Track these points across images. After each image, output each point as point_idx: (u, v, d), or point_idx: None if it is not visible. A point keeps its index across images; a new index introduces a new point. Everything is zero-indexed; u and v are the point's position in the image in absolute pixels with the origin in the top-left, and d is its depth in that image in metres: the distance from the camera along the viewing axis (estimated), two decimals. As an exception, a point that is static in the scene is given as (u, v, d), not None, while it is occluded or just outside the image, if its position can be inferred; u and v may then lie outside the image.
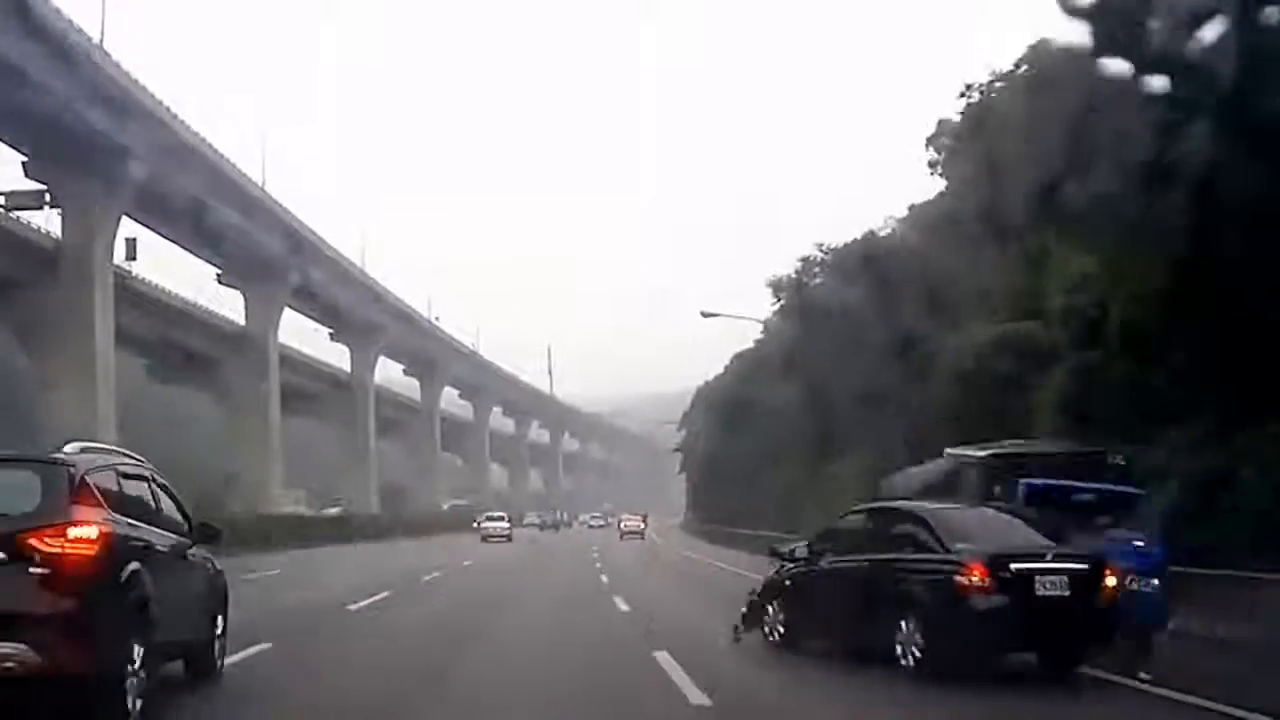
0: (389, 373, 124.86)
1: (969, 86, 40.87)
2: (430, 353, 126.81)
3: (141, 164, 62.55)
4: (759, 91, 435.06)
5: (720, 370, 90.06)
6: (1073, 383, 24.67)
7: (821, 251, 55.64)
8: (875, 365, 39.15)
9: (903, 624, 12.98)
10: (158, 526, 10.75)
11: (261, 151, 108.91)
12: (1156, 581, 15.04)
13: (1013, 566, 12.70)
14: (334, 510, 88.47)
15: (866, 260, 44.65)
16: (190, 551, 11.75)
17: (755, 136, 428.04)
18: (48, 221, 63.27)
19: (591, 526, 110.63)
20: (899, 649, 12.97)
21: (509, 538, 71.31)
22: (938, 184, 47.69)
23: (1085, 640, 13.24)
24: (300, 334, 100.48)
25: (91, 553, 8.75)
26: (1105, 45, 19.23)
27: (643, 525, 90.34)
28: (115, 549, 9.13)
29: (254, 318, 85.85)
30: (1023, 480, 16.24)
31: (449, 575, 33.56)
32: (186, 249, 78.46)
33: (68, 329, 60.90)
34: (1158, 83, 19.24)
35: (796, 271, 58.02)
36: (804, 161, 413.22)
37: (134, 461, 11.10)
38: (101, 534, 8.92)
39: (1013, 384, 28.35)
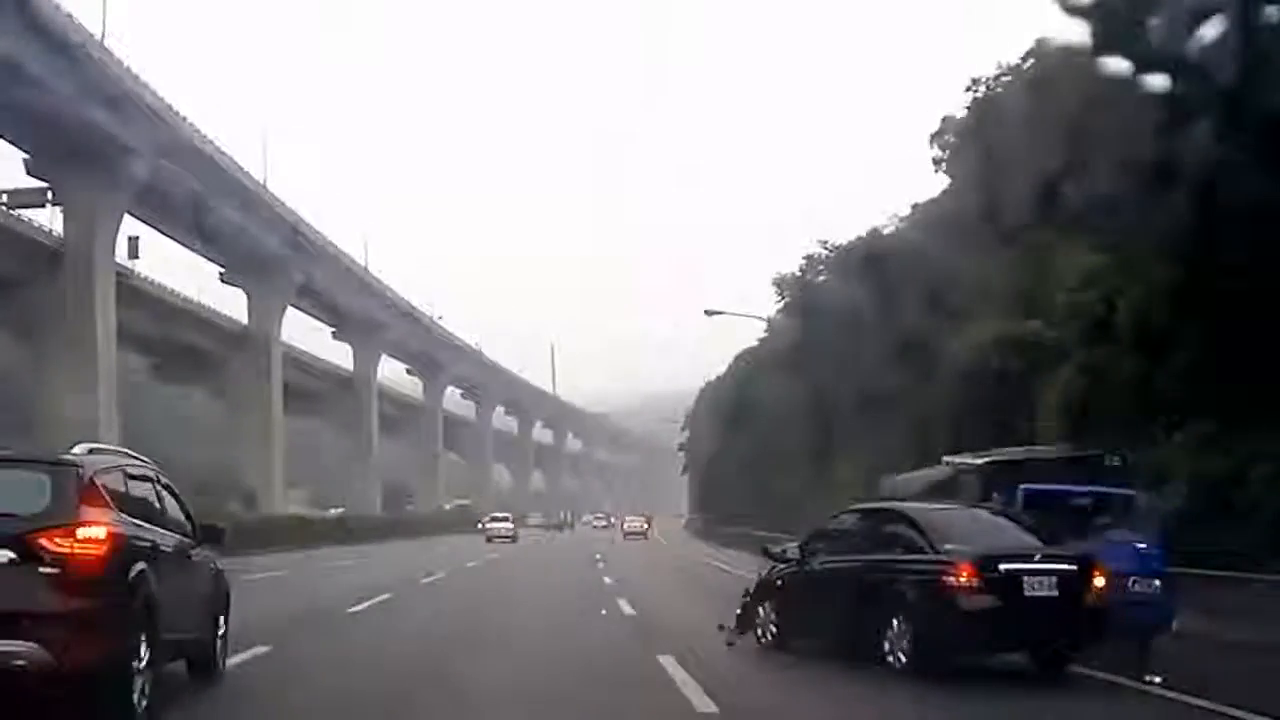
0: (392, 372, 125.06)
1: (975, 81, 40.88)
2: (433, 351, 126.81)
3: (143, 162, 62.69)
4: (764, 90, 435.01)
5: (724, 370, 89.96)
6: (1079, 380, 24.53)
7: (826, 249, 55.53)
8: (878, 364, 39.13)
9: (892, 624, 13.06)
10: (163, 527, 10.86)
11: (263, 149, 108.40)
12: (1158, 583, 15.05)
13: (1001, 567, 12.76)
14: (335, 511, 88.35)
15: (869, 259, 44.66)
16: (194, 552, 11.86)
17: (761, 135, 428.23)
18: (50, 220, 63.59)
19: (595, 527, 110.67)
20: (888, 649, 13.04)
21: (514, 538, 71.73)
22: (942, 182, 47.60)
23: (1074, 640, 13.33)
24: (303, 332, 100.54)
25: (100, 553, 8.85)
26: (1104, 44, 19.26)
27: (646, 526, 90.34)
28: (123, 549, 9.23)
29: (256, 316, 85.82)
30: (1021, 486, 16.21)
31: (451, 577, 33.39)
32: (189, 247, 78.49)
33: (70, 327, 60.94)
34: (1157, 82, 19.25)
35: (801, 269, 57.93)
36: (810, 160, 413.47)
37: (139, 462, 11.20)
38: (110, 534, 9.03)
39: (1017, 383, 28.24)
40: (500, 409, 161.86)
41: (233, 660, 13.06)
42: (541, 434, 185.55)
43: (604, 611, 21.67)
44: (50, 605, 8.51)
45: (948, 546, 13.10)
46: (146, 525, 10.27)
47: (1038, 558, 13.08)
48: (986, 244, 34.85)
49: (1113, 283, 23.47)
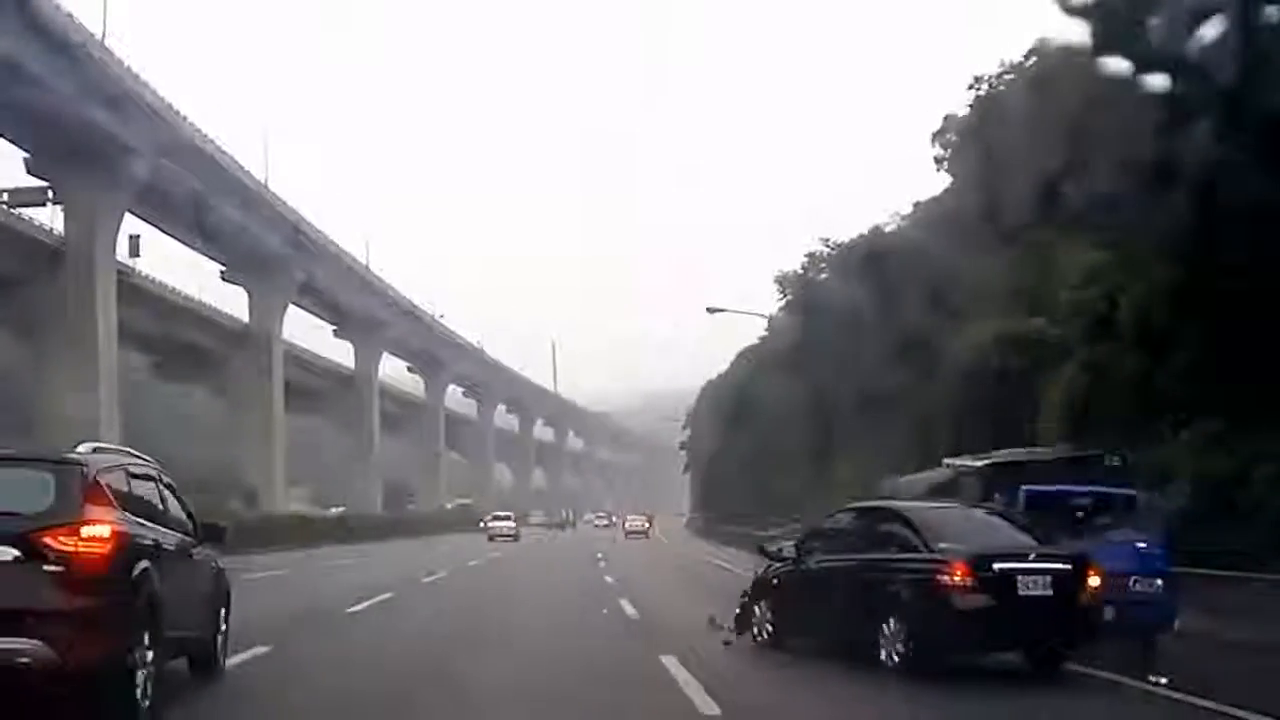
0: (393, 370, 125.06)
1: (978, 79, 40.83)
2: (434, 350, 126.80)
3: (144, 160, 62.71)
4: (766, 89, 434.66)
5: (725, 369, 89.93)
6: (1082, 378, 24.50)
7: (828, 247, 55.50)
8: (878, 363, 39.18)
9: (887, 623, 13.09)
10: (165, 526, 10.95)
11: (264, 148, 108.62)
12: (1160, 582, 15.08)
13: (995, 566, 12.81)
14: (337, 510, 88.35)
15: (870, 257, 44.68)
16: (195, 550, 11.98)
17: (762, 134, 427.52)
18: (51, 218, 63.59)
19: (596, 526, 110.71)
20: (882, 648, 13.06)
21: (516, 537, 72.13)
22: (944, 180, 47.59)
23: (1069, 639, 13.38)
24: (304, 331, 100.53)
25: (104, 551, 8.94)
26: (1104, 44, 19.28)
27: (647, 525, 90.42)
28: (126, 548, 9.33)
29: (258, 314, 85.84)
30: (1023, 487, 16.24)
31: (452, 576, 33.33)
32: (190, 246, 78.50)
33: (70, 326, 60.95)
34: (1157, 82, 19.27)
35: (803, 267, 57.90)
36: (812, 159, 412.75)
37: (142, 462, 11.30)
38: (114, 533, 9.13)
39: (1018, 381, 28.22)
40: (502, 407, 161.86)
41: (233, 660, 13.06)
42: (543, 432, 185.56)
43: (605, 611, 21.65)
44: (55, 603, 8.57)
45: (942, 546, 13.15)
46: (149, 524, 10.34)
47: (1032, 557, 13.13)
48: (988, 242, 34.85)
49: (1115, 281, 23.46)
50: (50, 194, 62.05)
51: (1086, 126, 23.02)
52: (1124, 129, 20.95)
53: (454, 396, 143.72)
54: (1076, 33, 20.30)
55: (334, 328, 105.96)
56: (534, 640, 17.15)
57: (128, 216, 67.25)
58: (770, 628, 15.89)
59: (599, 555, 45.78)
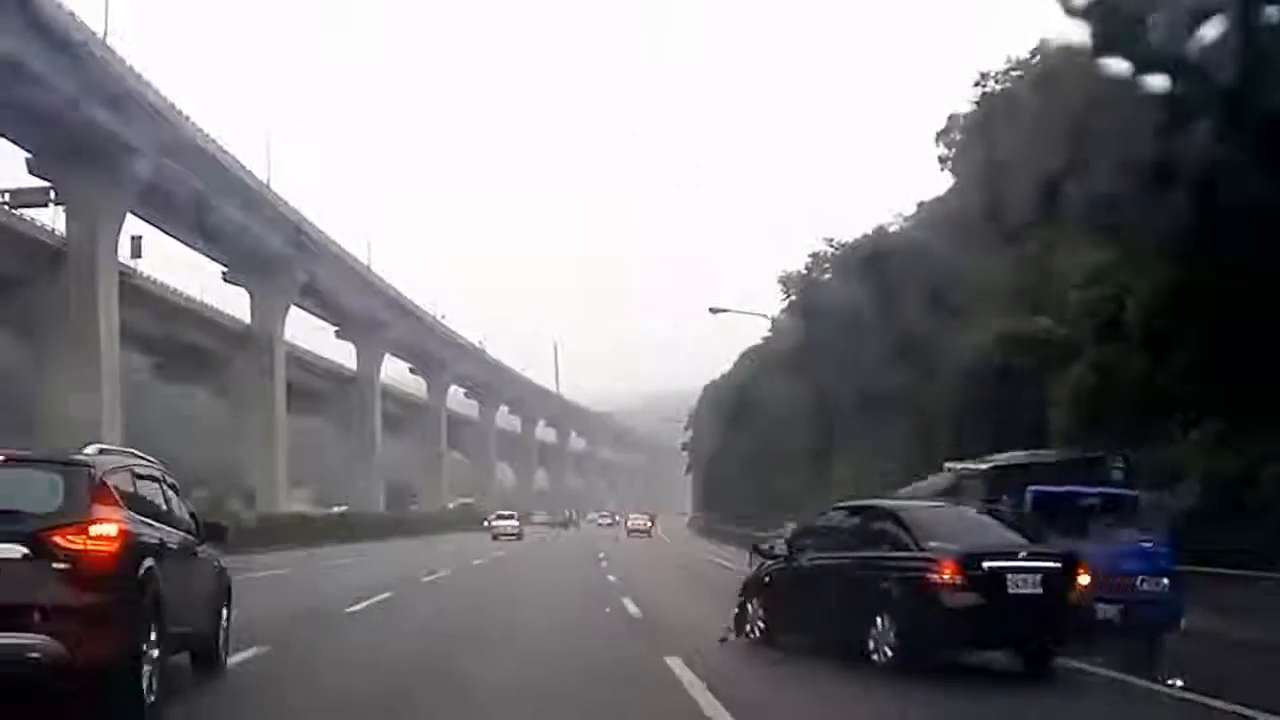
0: (395, 371, 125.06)
1: (984, 76, 40.81)
2: (436, 350, 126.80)
3: (146, 161, 62.59)
4: (768, 89, 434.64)
5: (728, 369, 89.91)
6: (1089, 378, 24.44)
7: (832, 247, 55.44)
8: (881, 362, 39.11)
9: (877, 621, 13.17)
10: (169, 525, 11.17)
11: (266, 148, 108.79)
12: (1166, 582, 15.11)
13: (985, 564, 12.88)
14: (339, 509, 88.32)
15: (874, 257, 44.61)
16: (198, 549, 12.19)
17: (764, 134, 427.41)
18: (52, 219, 63.53)
19: (600, 525, 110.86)
20: (873, 646, 13.16)
21: (519, 536, 72.68)
22: (948, 180, 47.56)
23: (1058, 637, 13.44)
24: (305, 332, 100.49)
25: (111, 549, 9.14)
26: (1105, 45, 19.32)
27: (649, 524, 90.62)
28: (132, 546, 9.51)
29: (259, 315, 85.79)
30: (1030, 487, 16.29)
31: (453, 576, 33.24)
32: (191, 246, 78.47)
33: (72, 327, 60.88)
34: (1158, 82, 19.28)
35: (807, 267, 57.83)
36: (814, 158, 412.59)
37: (146, 463, 11.51)
38: (120, 532, 9.33)
39: (1024, 380, 28.15)
40: (504, 408, 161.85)
41: (233, 659, 13.08)
42: (545, 433, 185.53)
43: (608, 610, 21.59)
44: (64, 600, 8.75)
45: (932, 544, 13.23)
46: (154, 523, 10.56)
47: (1021, 555, 13.21)
48: (990, 242, 34.84)
49: (1120, 281, 23.41)
50: (52, 194, 61.98)
51: (1088, 126, 23.04)
52: (1125, 129, 20.98)
53: (456, 397, 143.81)
54: (1078, 33, 20.30)
55: (336, 329, 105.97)
56: (534, 641, 17.03)
57: (129, 217, 67.21)
58: (762, 625, 15.94)
59: (601, 554, 45.76)
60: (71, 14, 55.14)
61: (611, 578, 31.21)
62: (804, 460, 53.09)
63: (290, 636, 16.64)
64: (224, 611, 12.99)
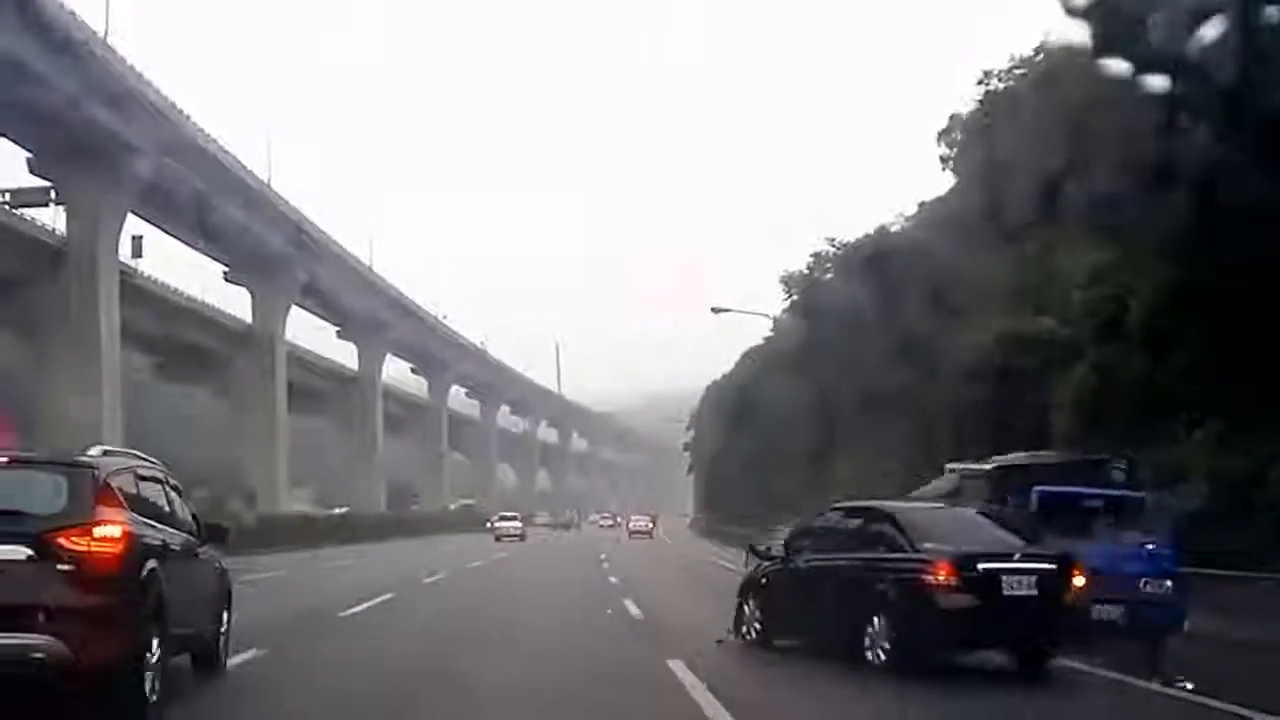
0: (396, 371, 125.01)
1: (988, 73, 40.77)
2: (438, 351, 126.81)
3: (147, 160, 62.54)
4: (770, 88, 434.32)
5: (730, 369, 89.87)
6: (1091, 378, 24.38)
7: (833, 247, 55.37)
8: (882, 362, 39.07)
9: (872, 622, 13.21)
10: (171, 526, 11.27)
11: (267, 148, 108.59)
12: (1169, 584, 15.13)
13: (980, 566, 12.91)
14: (340, 510, 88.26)
15: (876, 257, 44.58)
16: (199, 550, 12.29)
17: (766, 134, 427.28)
18: (53, 219, 63.50)
19: (601, 526, 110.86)
20: (868, 647, 13.18)
21: (522, 536, 73.15)
22: (950, 180, 47.50)
23: (1053, 638, 13.47)
24: (307, 331, 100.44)
25: (115, 551, 9.24)
26: (1105, 45, 19.33)
27: (651, 525, 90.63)
28: (136, 548, 9.61)
29: (260, 315, 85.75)
30: (1036, 487, 16.26)
31: (454, 577, 33.16)
32: (192, 246, 78.43)
33: (73, 326, 60.85)
34: (1158, 82, 19.29)
35: (809, 267, 57.76)
36: (816, 158, 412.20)
37: (149, 464, 11.59)
38: (124, 533, 9.43)
39: (1026, 380, 28.09)
40: (505, 408, 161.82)
41: (233, 661, 13.11)
42: (546, 433, 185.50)
43: (610, 611, 21.51)
44: (68, 601, 8.84)
45: (927, 545, 13.25)
46: (157, 525, 10.66)
47: (1016, 557, 13.24)
48: (992, 242, 34.81)
49: (1121, 281, 23.36)
50: (53, 194, 61.95)
51: (1089, 126, 23.03)
52: (1125, 129, 20.99)
53: (457, 397, 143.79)
54: (1078, 33, 20.31)
55: (337, 329, 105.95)
56: (535, 644, 16.91)
57: (130, 217, 67.20)
58: (759, 626, 15.96)
59: (603, 556, 45.69)
60: (72, 13, 55.14)
61: (613, 579, 31.12)
62: (805, 460, 53.07)
63: (291, 638, 16.59)
64: (225, 613, 13.06)
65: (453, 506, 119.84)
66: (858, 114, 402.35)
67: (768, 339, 71.83)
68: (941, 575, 12.70)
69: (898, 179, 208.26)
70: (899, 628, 12.95)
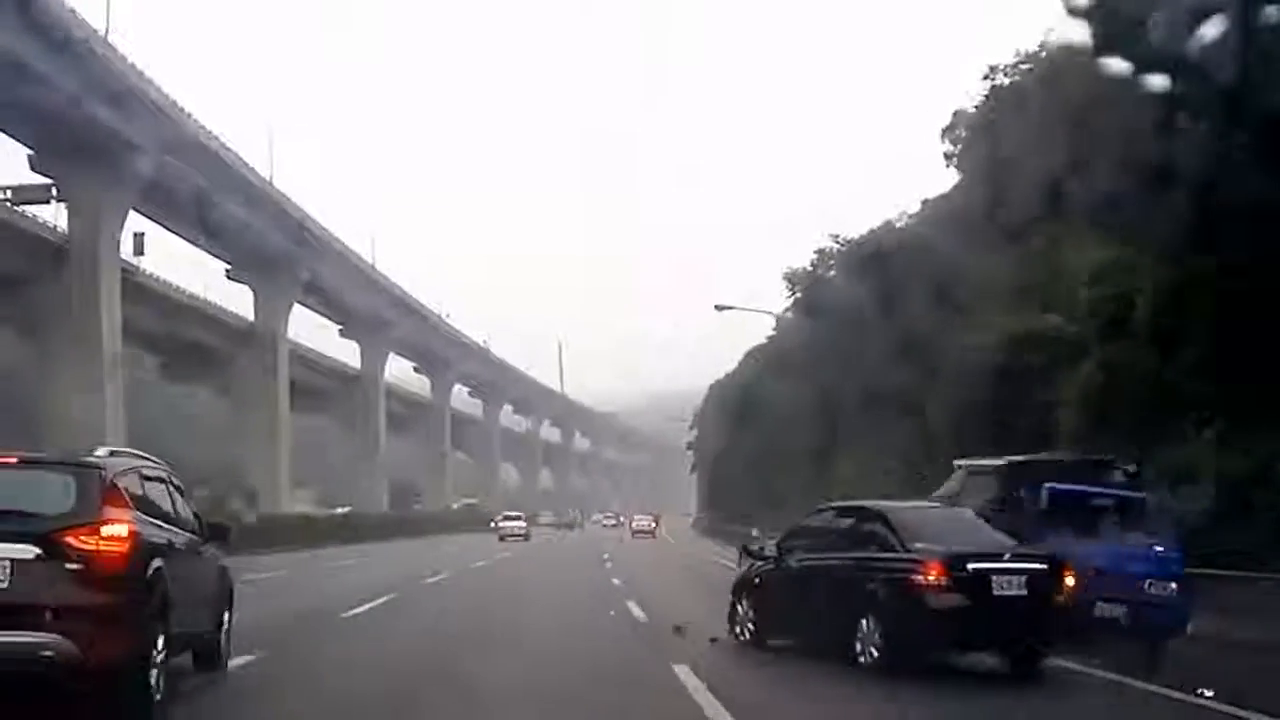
0: (399, 370, 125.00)
1: (994, 69, 40.67)
2: (440, 349, 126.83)
3: (148, 158, 62.49)
4: (772, 87, 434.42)
5: (733, 368, 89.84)
6: (1098, 376, 24.27)
7: (838, 244, 55.24)
8: (885, 360, 38.98)
9: (863, 622, 13.26)
10: (175, 526, 11.43)
11: (269, 145, 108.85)
12: (1174, 586, 15.19)
13: (970, 566, 12.95)
14: (342, 510, 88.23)
15: (879, 255, 44.47)
16: (202, 549, 12.44)
17: (769, 132, 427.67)
18: (55, 216, 63.50)
19: (604, 526, 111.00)
20: (859, 647, 13.24)
21: (526, 536, 73.56)
22: (953, 177, 47.39)
23: (1044, 638, 13.48)
24: (309, 330, 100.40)
25: (122, 550, 9.37)
26: (1105, 44, 19.39)
27: (654, 525, 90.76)
28: (142, 547, 9.76)
29: (263, 313, 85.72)
30: (1046, 484, 16.26)
31: (457, 577, 33.05)
32: (195, 244, 78.34)
33: (75, 324, 60.75)
34: (1158, 82, 19.31)
35: (812, 264, 57.65)
36: (819, 157, 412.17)
37: (153, 464, 11.77)
38: (130, 533, 9.57)
39: (1030, 379, 27.99)
40: (508, 407, 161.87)
41: (235, 662, 13.15)
42: (549, 433, 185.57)
43: (613, 613, 21.40)
44: (76, 599, 8.96)
45: (918, 545, 13.31)
46: (161, 524, 10.85)
47: (1007, 557, 13.28)
48: (996, 240, 34.71)
49: (1127, 279, 23.29)
50: (54, 191, 61.90)
51: (1093, 124, 23.03)
52: (1126, 128, 21.00)
53: (460, 397, 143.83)
54: (1079, 33, 20.32)
55: (340, 327, 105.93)
56: (538, 647, 16.75)
57: (132, 214, 67.11)
58: (752, 626, 16.03)
59: (606, 556, 45.63)
60: (73, 11, 55.12)
61: (616, 580, 31.01)
62: (807, 459, 53.00)
63: (293, 638, 16.58)
64: (226, 612, 13.20)
65: (455, 506, 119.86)
66: (860, 111, 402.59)
67: (771, 338, 71.74)
68: (931, 575, 12.76)
69: (901, 176, 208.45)
70: (889, 628, 13.01)
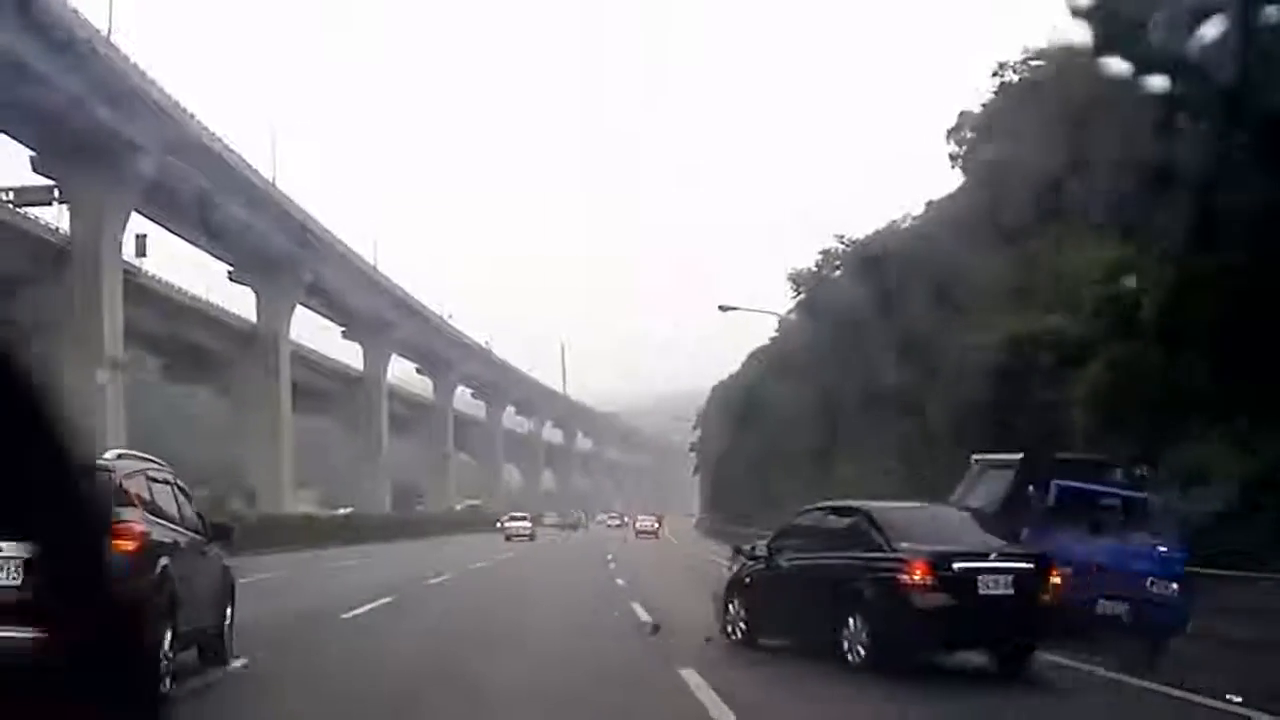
0: (401, 371, 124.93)
1: (1002, 65, 40.64)
2: (443, 350, 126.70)
3: (151, 159, 62.40)
4: (773, 86, 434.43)
5: (737, 369, 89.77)
6: (1106, 376, 24.24)
7: (843, 244, 55.20)
8: (889, 362, 38.93)
9: (850, 622, 13.34)
10: (180, 526, 11.88)
11: (272, 146, 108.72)
12: (1175, 586, 15.28)
13: (955, 566, 13.02)
14: (344, 510, 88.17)
15: (884, 255, 44.43)
16: (206, 548, 12.87)
17: (771, 132, 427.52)
18: (57, 217, 63.48)
19: (608, 526, 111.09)
20: (846, 646, 13.31)
21: (532, 536, 73.97)
22: (958, 178, 47.36)
23: (1030, 638, 13.54)
24: (311, 331, 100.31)
25: (131, 549, 9.72)
26: (1105, 45, 19.42)
27: (657, 525, 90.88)
28: (150, 546, 10.24)
29: (265, 314, 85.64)
30: (1055, 481, 16.32)
31: (460, 578, 33.02)
32: (197, 245, 78.26)
33: (76, 326, 60.59)
34: (1158, 82, 19.33)
35: (817, 265, 57.60)
36: (821, 157, 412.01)
37: (158, 466, 12.20)
38: (140, 533, 10.03)
39: (1034, 380, 27.94)
40: (511, 408, 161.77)
41: (237, 662, 13.26)
42: (551, 434, 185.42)
43: (616, 614, 21.38)
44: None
45: (904, 545, 13.37)
46: (168, 524, 11.28)
47: (993, 556, 13.33)
48: (999, 240, 34.63)
49: (1138, 277, 23.27)
50: (56, 193, 61.93)
51: (1098, 124, 23.01)
52: (1128, 128, 21.03)
53: (463, 398, 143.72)
54: (1079, 34, 20.36)
55: (342, 328, 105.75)
56: (540, 649, 16.67)
57: (134, 216, 67.11)
58: (744, 626, 16.07)
59: (609, 556, 45.58)
60: (75, 11, 55.07)
61: (620, 581, 31.01)
62: (808, 460, 52.91)
63: (295, 638, 16.62)
64: (229, 609, 13.52)
65: (458, 507, 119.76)
66: (863, 112, 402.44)
67: (774, 339, 71.66)
68: (917, 575, 12.82)
69: (905, 178, 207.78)
70: (876, 627, 13.07)
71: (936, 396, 34.61)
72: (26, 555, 7.53)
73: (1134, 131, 20.61)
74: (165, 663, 10.17)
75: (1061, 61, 31.51)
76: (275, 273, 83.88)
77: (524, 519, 79.00)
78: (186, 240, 76.91)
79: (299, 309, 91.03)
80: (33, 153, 60.22)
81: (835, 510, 15.83)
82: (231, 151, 73.17)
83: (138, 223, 68.63)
